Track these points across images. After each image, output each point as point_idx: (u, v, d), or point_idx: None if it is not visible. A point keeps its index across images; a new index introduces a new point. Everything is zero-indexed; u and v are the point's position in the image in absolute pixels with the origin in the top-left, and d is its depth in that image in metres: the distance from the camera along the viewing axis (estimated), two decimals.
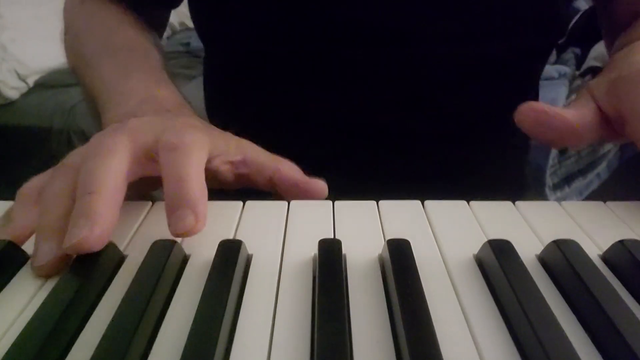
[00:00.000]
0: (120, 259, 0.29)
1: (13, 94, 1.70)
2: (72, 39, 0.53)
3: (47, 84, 1.76)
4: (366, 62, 0.49)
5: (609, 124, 0.35)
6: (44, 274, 0.28)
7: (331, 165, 0.54)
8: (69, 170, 0.31)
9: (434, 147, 0.54)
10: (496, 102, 0.54)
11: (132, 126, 0.33)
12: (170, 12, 0.63)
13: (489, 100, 0.53)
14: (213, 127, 0.38)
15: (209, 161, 0.33)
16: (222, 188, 0.37)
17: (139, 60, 0.46)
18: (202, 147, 0.33)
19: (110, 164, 0.30)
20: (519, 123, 0.34)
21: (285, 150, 0.38)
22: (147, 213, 0.34)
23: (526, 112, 0.34)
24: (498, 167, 0.59)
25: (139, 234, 0.31)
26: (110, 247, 0.28)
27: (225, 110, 0.59)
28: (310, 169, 0.38)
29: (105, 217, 0.28)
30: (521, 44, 0.50)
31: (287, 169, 0.36)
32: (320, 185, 0.36)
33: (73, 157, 0.32)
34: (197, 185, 0.30)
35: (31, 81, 1.75)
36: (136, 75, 0.44)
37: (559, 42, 1.82)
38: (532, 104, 0.34)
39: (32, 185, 0.33)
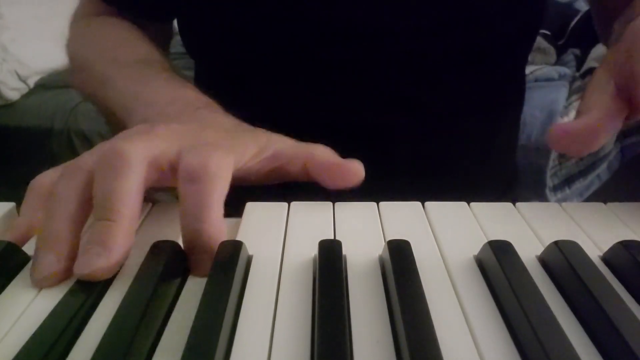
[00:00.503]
0: None
1: (13, 95, 1.70)
2: (81, 63, 0.52)
3: (47, 84, 1.75)
4: (351, 61, 0.49)
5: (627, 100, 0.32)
6: (45, 286, 0.27)
7: None
8: (79, 172, 0.30)
9: (429, 144, 0.54)
10: (482, 97, 0.54)
11: (158, 133, 0.32)
12: (172, 28, 0.63)
13: (475, 95, 0.54)
14: (243, 126, 0.37)
15: (237, 169, 0.32)
16: (253, 184, 0.36)
17: (157, 68, 0.46)
18: (225, 175, 0.30)
19: (128, 183, 0.28)
20: (551, 145, 0.33)
21: None
22: (147, 214, 0.34)
23: (559, 134, 0.32)
24: (485, 163, 0.59)
25: (139, 235, 0.31)
26: None
27: None
28: None
29: (122, 247, 0.27)
30: (500, 34, 0.51)
31: (320, 153, 0.35)
32: (356, 165, 0.34)
33: (85, 157, 0.31)
34: (216, 226, 0.29)
35: (32, 82, 1.75)
36: (157, 82, 0.43)
37: (559, 43, 1.82)
38: (562, 125, 0.32)
39: (43, 180, 0.32)
